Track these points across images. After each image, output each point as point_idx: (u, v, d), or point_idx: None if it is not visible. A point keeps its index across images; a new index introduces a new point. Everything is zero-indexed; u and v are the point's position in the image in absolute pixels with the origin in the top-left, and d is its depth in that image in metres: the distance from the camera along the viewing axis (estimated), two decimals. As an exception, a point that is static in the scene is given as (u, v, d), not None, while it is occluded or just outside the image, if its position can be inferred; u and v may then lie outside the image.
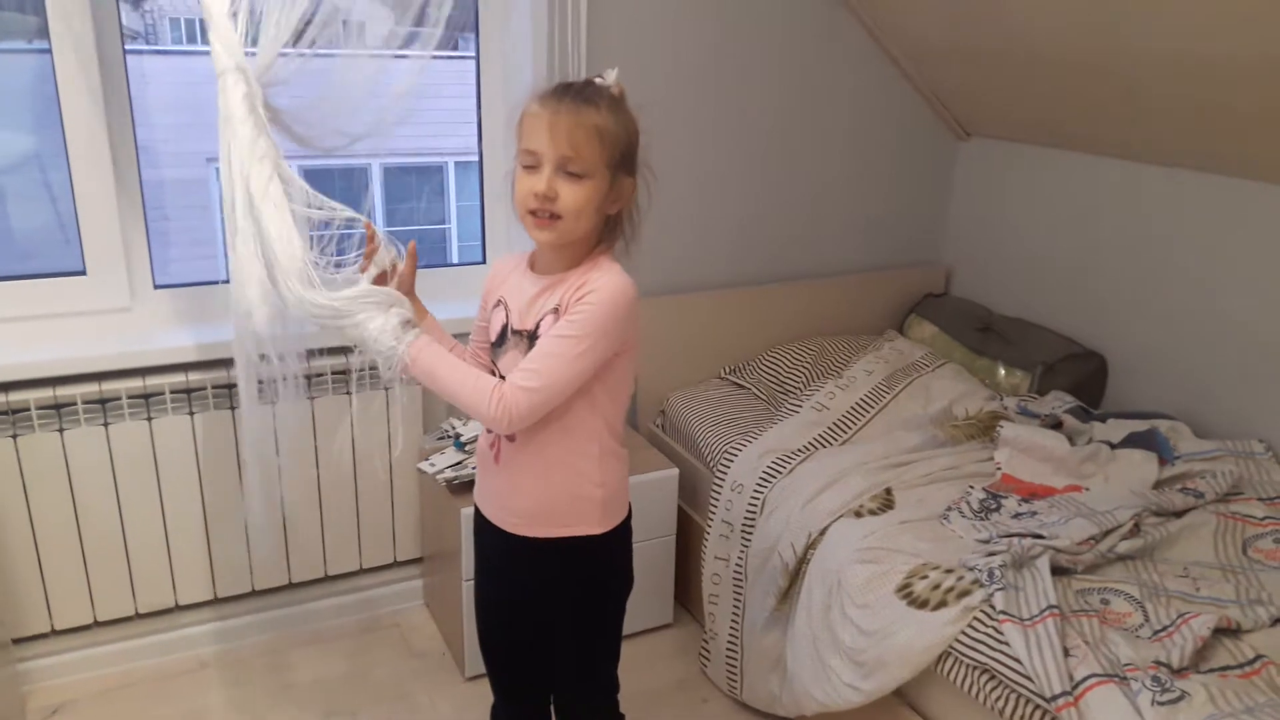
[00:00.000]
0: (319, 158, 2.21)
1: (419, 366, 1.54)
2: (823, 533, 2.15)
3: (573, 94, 1.49)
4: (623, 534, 1.71)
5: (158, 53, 3.22)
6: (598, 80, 1.53)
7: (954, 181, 3.28)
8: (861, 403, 2.62)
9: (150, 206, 2.40)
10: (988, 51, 2.68)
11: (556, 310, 1.54)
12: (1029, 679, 1.69)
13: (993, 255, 3.16)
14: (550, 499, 1.62)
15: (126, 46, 2.29)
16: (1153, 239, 2.66)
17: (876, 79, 3.04)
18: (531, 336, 1.57)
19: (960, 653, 1.81)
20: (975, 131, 3.18)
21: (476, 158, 2.74)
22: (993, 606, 1.81)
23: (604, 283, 1.51)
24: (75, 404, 2.28)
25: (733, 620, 2.39)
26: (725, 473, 2.45)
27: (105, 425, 2.32)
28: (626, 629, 1.81)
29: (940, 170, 3.26)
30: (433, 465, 2.47)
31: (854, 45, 2.97)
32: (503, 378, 1.55)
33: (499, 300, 1.65)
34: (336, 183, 2.28)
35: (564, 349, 1.49)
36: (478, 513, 1.74)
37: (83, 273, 2.37)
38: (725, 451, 2.50)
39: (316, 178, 2.22)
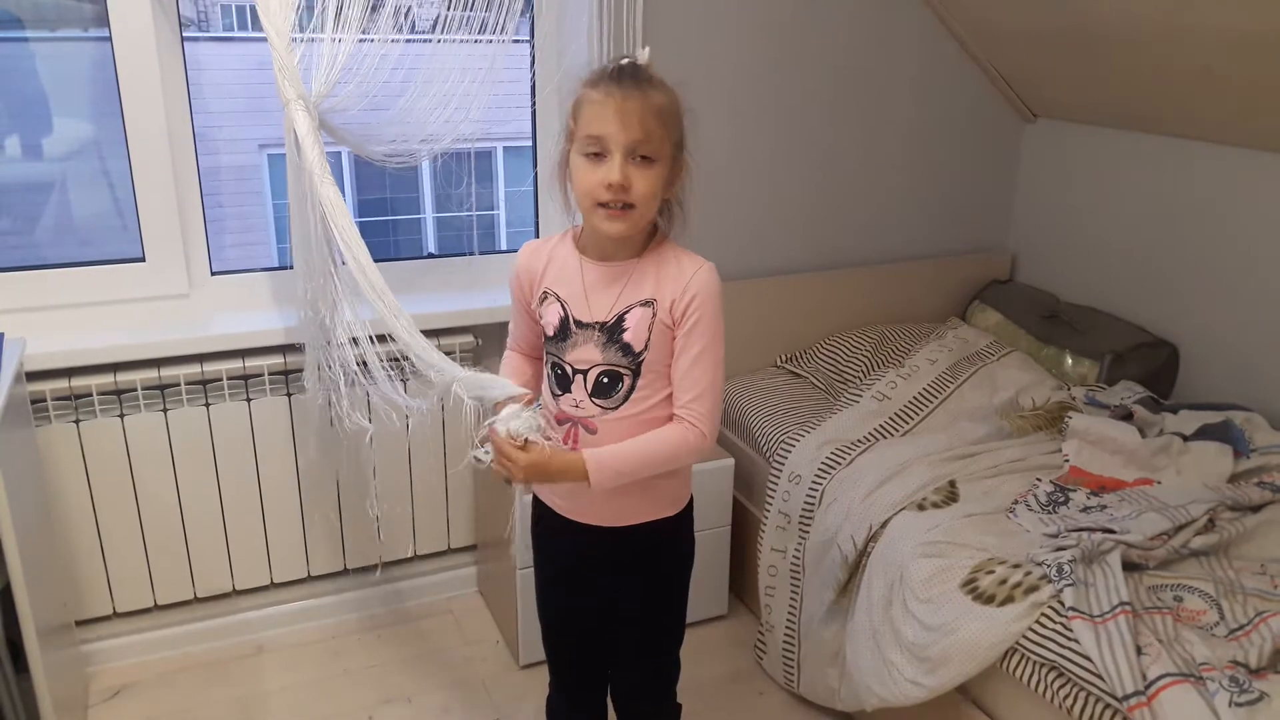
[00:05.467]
0: (390, 140, 2.22)
1: (608, 477, 1.53)
2: (884, 525, 2.10)
3: (630, 76, 1.46)
4: (690, 513, 1.72)
5: (212, 39, 3.25)
6: (637, 61, 1.50)
7: (1020, 164, 3.19)
8: (924, 392, 2.56)
9: (206, 193, 2.41)
10: (1056, 30, 2.59)
11: (648, 304, 1.54)
12: (1100, 677, 1.63)
13: (1059, 240, 3.07)
14: (631, 491, 1.59)
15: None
16: (1227, 223, 2.56)
17: (940, 58, 2.96)
18: (612, 329, 1.55)
19: (1027, 649, 1.76)
20: (1042, 112, 3.09)
21: (530, 143, 2.72)
22: (1061, 603, 1.75)
23: (704, 281, 1.54)
24: (135, 390, 2.30)
25: (790, 612, 2.35)
26: (783, 463, 2.40)
27: (164, 411, 2.34)
28: (680, 619, 1.81)
29: (1005, 152, 3.17)
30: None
31: (917, 24, 2.90)
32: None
33: (545, 292, 1.61)
34: (387, 170, 2.26)
35: (709, 357, 1.55)
36: (541, 505, 1.71)
37: (141, 259, 2.39)
38: (783, 442, 2.46)
39: (366, 167, 2.23)
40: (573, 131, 1.50)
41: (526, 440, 1.49)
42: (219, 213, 2.86)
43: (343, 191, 1.98)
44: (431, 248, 5.66)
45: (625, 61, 1.49)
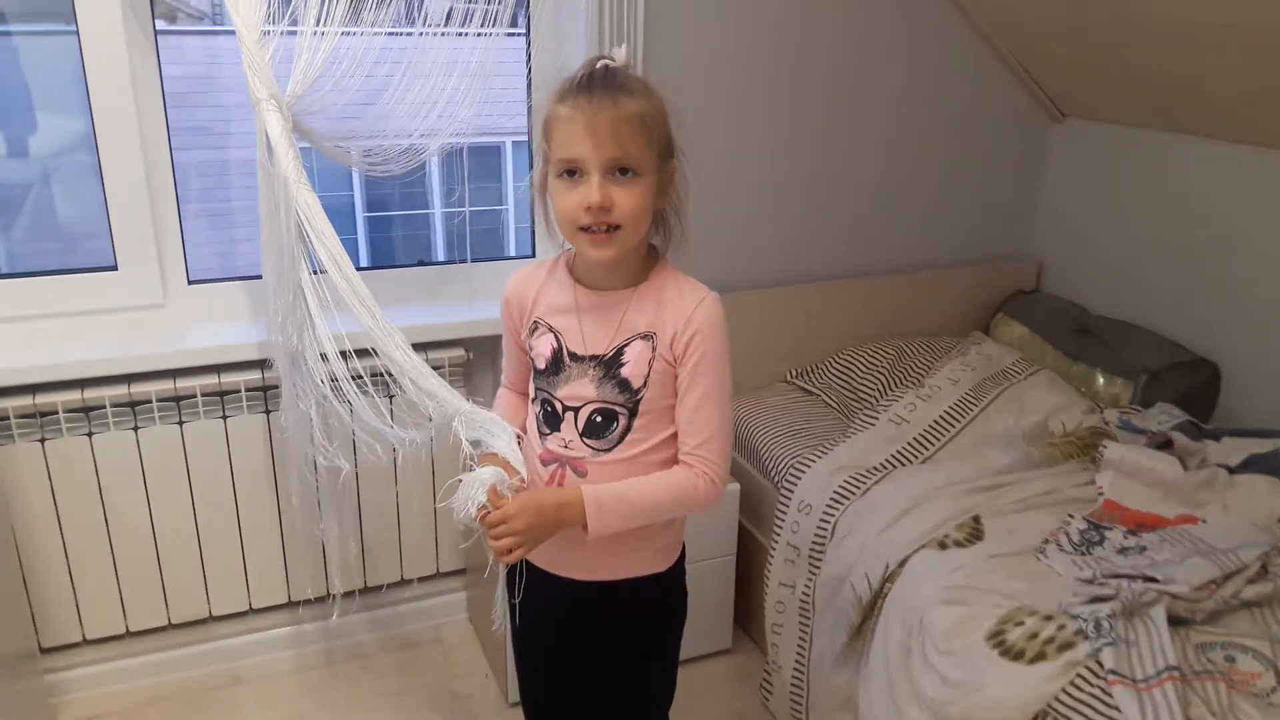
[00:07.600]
0: (370, 137, 2.08)
1: (608, 522, 1.39)
2: (902, 564, 1.94)
3: (602, 84, 1.31)
4: (683, 565, 1.59)
5: (184, 33, 3.12)
6: (610, 63, 1.34)
7: (1047, 167, 3.02)
8: (946, 415, 2.39)
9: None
10: (1090, 24, 2.42)
11: (648, 337, 1.40)
12: (1144, 752, 1.47)
13: (1089, 248, 2.91)
14: (621, 541, 1.44)
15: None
16: (1272, 232, 2.39)
17: (962, 54, 2.80)
18: (610, 363, 1.41)
19: (1060, 713, 1.59)
20: (1071, 112, 2.92)
21: (527, 138, 2.57)
22: (1100, 663, 1.59)
23: (707, 315, 1.40)
24: (104, 407, 2.18)
25: (798, 653, 2.19)
26: (792, 490, 2.25)
27: (135, 429, 2.22)
28: (682, 654, 1.67)
29: (1032, 154, 3.00)
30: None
31: (936, 17, 2.73)
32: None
33: (537, 322, 1.47)
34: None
35: (717, 397, 1.42)
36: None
37: (114, 268, 2.26)
38: (792, 466, 2.30)
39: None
40: (547, 154, 1.37)
41: (487, 504, 1.35)
42: (226, 207, 2.73)
43: (351, 188, 1.84)
44: (440, 246, 5.54)
45: (597, 66, 1.34)
